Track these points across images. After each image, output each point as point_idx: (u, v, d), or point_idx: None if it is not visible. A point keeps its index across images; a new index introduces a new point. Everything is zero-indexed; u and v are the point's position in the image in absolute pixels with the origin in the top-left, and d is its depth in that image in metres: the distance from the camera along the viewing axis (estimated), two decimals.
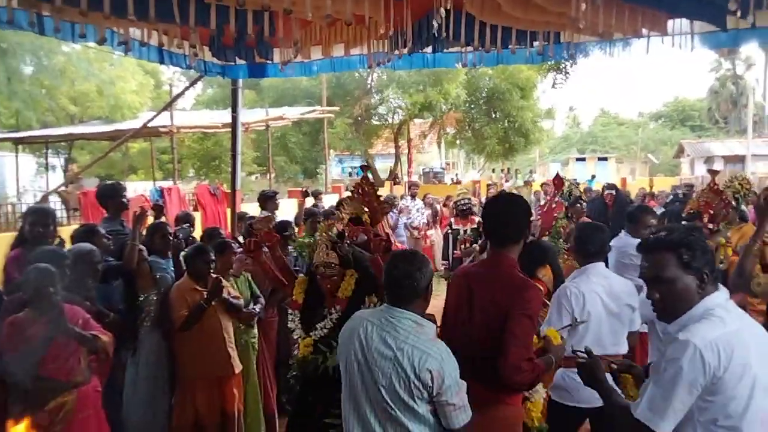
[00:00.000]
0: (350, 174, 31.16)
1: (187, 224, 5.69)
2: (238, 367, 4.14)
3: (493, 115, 22.70)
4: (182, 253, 4.26)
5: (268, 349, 4.84)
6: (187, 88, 8.18)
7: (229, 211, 7.74)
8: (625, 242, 4.46)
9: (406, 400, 2.22)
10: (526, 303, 2.55)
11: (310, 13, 4.02)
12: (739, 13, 3.76)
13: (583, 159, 42.63)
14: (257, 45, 5.40)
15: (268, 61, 5.95)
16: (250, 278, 4.50)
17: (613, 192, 9.51)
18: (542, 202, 12.75)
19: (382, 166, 26.71)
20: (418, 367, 2.19)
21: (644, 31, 4.85)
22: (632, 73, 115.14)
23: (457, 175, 31.86)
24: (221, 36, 5.19)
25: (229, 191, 7.49)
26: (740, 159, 31.14)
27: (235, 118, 6.67)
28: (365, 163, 23.37)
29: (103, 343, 3.27)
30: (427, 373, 2.19)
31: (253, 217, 6.28)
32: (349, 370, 2.34)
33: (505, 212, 2.76)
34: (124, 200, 4.94)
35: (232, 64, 6.24)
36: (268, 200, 7.17)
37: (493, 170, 26.55)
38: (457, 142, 25.46)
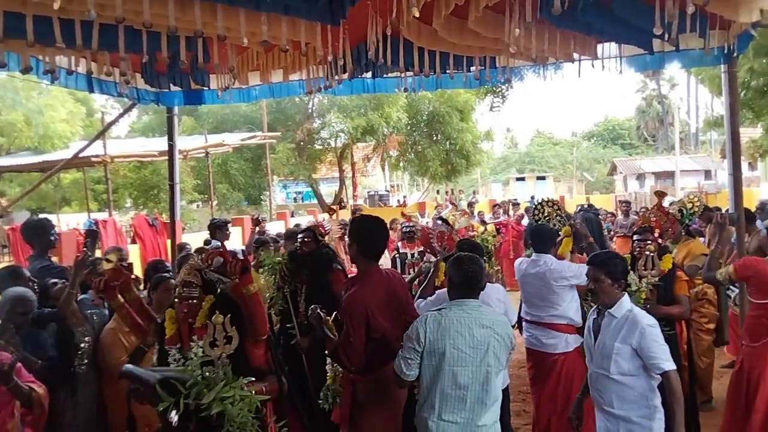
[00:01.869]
0: (295, 200, 30.94)
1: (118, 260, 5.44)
2: None
3: (435, 138, 23.01)
4: None
5: None
6: (119, 116, 7.93)
7: (169, 242, 7.49)
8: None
9: (501, 358, 3.07)
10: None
11: (245, 39, 3.97)
12: (666, 36, 3.90)
13: (523, 178, 43.71)
14: (192, 71, 5.28)
15: (205, 88, 5.84)
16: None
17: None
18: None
19: (327, 191, 26.62)
20: (507, 331, 3.12)
21: (575, 55, 5.00)
22: (565, 95, 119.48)
23: (404, 197, 32.06)
24: (153, 62, 5.05)
25: (169, 221, 7.25)
26: (669, 175, 32.61)
27: (171, 146, 6.49)
28: (310, 189, 23.24)
29: (38, 396, 3.08)
30: (512, 334, 3.18)
31: (204, 248, 6.03)
32: (451, 358, 2.97)
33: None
34: (52, 238, 4.68)
35: (167, 90, 6.08)
36: (218, 229, 6.97)
37: (437, 191, 26.82)
38: (401, 164, 25.66)
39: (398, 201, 27.94)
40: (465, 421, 2.98)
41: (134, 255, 8.93)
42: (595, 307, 3.46)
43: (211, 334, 2.84)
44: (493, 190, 45.62)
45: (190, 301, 3.11)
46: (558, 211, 5.71)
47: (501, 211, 14.59)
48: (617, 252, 4.80)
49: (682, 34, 4.26)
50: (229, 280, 3.15)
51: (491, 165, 51.54)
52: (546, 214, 5.62)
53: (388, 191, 29.87)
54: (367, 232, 3.55)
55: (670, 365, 3.05)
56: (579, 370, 4.29)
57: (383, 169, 30.21)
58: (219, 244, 6.08)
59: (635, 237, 4.68)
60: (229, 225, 7.16)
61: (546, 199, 5.91)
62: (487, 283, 3.69)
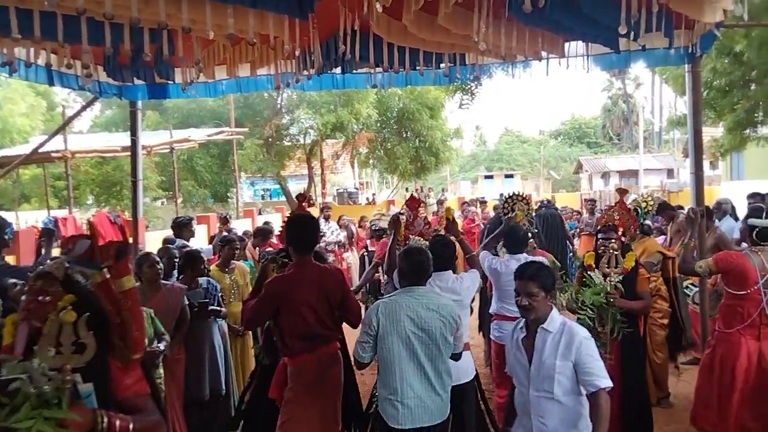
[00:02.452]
0: (263, 197, 30.61)
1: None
2: None
3: (404, 135, 23.01)
4: None
5: (176, 389, 4.54)
6: (80, 110, 7.69)
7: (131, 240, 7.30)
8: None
9: (448, 337, 3.36)
10: None
11: (211, 32, 3.88)
12: (632, 35, 3.94)
13: (491, 176, 44.12)
14: (156, 64, 5.16)
15: (169, 82, 5.71)
16: (152, 314, 4.21)
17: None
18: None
19: (296, 188, 26.38)
20: (452, 313, 3.39)
21: (543, 53, 5.03)
22: (533, 93, 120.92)
23: (374, 195, 31.99)
24: (116, 55, 4.92)
25: (131, 219, 7.08)
26: (634, 173, 33.23)
27: (134, 142, 6.33)
28: (278, 186, 23.00)
29: None
30: (456, 315, 3.42)
31: (168, 247, 5.91)
32: (404, 340, 3.29)
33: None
34: (6, 237, 4.52)
35: (130, 84, 5.94)
36: (182, 227, 6.83)
37: (407, 189, 26.84)
38: (370, 162, 25.60)
39: (367, 198, 27.89)
40: (422, 395, 3.31)
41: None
42: (519, 324, 3.24)
43: (53, 336, 2.14)
44: (462, 187, 45.95)
45: (41, 297, 2.33)
46: (527, 206, 5.79)
47: (471, 209, 14.69)
48: (545, 258, 4.94)
49: (648, 34, 4.32)
50: (94, 272, 2.41)
51: (460, 163, 51.90)
52: (514, 209, 5.69)
53: (357, 189, 29.78)
54: (296, 230, 3.88)
55: (606, 383, 2.89)
56: None
57: (353, 166, 30.11)
58: (183, 242, 5.97)
59: (599, 235, 4.77)
60: (194, 223, 7.02)
61: (515, 193, 5.98)
62: (464, 273, 4.24)
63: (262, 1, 3.82)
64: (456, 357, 3.52)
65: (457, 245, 4.57)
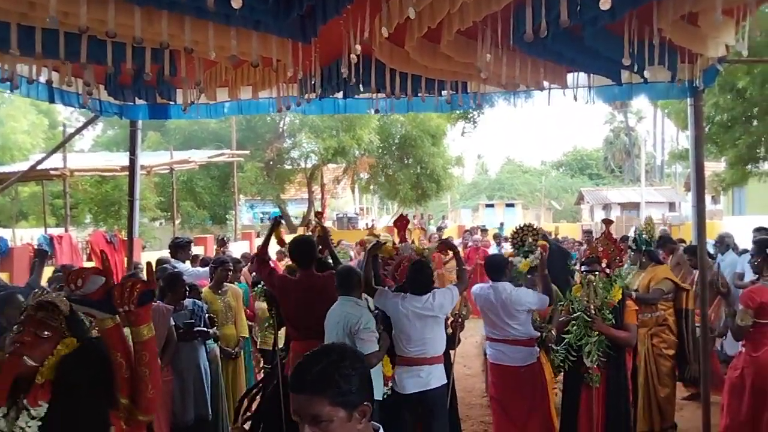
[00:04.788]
0: (262, 220, 30.53)
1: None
2: None
3: (406, 161, 23.08)
4: None
5: (163, 413, 4.44)
6: (80, 129, 7.68)
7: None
8: None
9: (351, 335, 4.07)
10: None
11: (213, 53, 3.87)
12: (635, 68, 3.92)
13: (492, 205, 44.08)
14: (158, 85, 5.15)
15: (171, 102, 5.70)
16: None
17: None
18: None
19: (296, 212, 26.37)
20: (351, 320, 4.10)
21: (545, 83, 5.02)
22: (536, 124, 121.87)
23: (373, 220, 31.95)
24: (117, 74, 4.91)
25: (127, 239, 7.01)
26: (635, 206, 33.19)
27: (133, 161, 6.30)
28: (278, 209, 23.01)
29: None
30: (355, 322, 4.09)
31: (165, 267, 5.86)
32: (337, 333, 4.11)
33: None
34: None
35: (131, 104, 5.93)
36: (180, 249, 6.77)
37: (402, 215, 26.81)
38: (371, 187, 25.62)
39: (366, 224, 27.84)
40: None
41: None
42: None
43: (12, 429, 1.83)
44: (463, 215, 45.89)
45: (39, 332, 2.07)
46: (535, 237, 5.83)
47: (471, 237, 14.62)
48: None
49: (650, 67, 4.31)
50: (105, 316, 2.11)
51: (461, 190, 51.95)
52: (524, 240, 5.76)
53: (357, 214, 29.76)
54: (296, 248, 4.72)
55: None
56: (542, 378, 4.90)
57: (353, 191, 30.15)
58: (173, 265, 5.90)
59: (583, 268, 4.81)
60: (192, 244, 6.96)
61: (527, 225, 6.08)
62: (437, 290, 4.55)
63: (265, 24, 3.82)
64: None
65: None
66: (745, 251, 8.08)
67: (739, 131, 12.29)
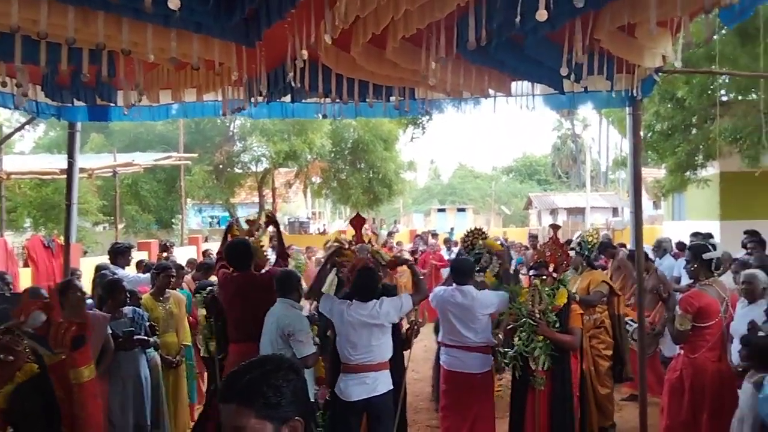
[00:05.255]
0: (210, 224, 30.01)
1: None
2: None
3: (358, 166, 23.08)
4: None
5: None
6: (15, 131, 7.39)
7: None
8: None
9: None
10: None
11: (152, 55, 3.77)
12: (573, 77, 4.01)
13: (444, 210, 44.55)
14: (97, 86, 4.99)
15: (111, 104, 5.53)
16: None
17: None
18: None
19: (246, 216, 25.97)
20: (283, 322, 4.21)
21: (491, 91, 5.09)
22: (488, 130, 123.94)
23: (324, 225, 31.81)
24: (54, 75, 4.73)
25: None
26: (580, 211, 34.06)
27: (71, 164, 6.08)
28: (227, 214, 22.64)
29: None
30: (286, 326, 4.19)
31: (106, 274, 5.69)
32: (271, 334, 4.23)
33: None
34: None
35: (69, 105, 5.72)
36: (119, 255, 6.56)
37: (357, 215, 26.78)
38: (324, 192, 25.50)
39: (318, 229, 27.72)
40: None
41: (26, 279, 8.29)
42: None
43: None
44: (415, 220, 46.20)
45: (4, 356, 2.08)
46: (485, 240, 5.98)
47: (421, 241, 14.71)
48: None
49: (592, 76, 4.42)
50: (46, 353, 2.11)
51: (414, 195, 52.32)
52: (474, 244, 5.87)
53: (309, 218, 29.61)
54: (231, 252, 4.80)
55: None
56: (492, 385, 5.03)
57: (305, 195, 29.95)
58: (113, 271, 5.73)
59: (530, 272, 4.90)
60: (133, 250, 6.76)
61: (476, 229, 6.18)
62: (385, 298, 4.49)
63: (207, 26, 3.75)
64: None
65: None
66: (682, 245, 8.41)
67: (678, 139, 12.74)
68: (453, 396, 4.97)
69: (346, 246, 5.12)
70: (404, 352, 4.94)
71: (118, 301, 4.81)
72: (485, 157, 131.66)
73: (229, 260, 4.78)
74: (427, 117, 14.81)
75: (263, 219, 5.58)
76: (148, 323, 5.11)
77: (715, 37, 9.28)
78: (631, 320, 6.10)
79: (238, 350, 4.46)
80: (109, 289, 4.84)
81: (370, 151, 22.15)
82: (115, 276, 5.51)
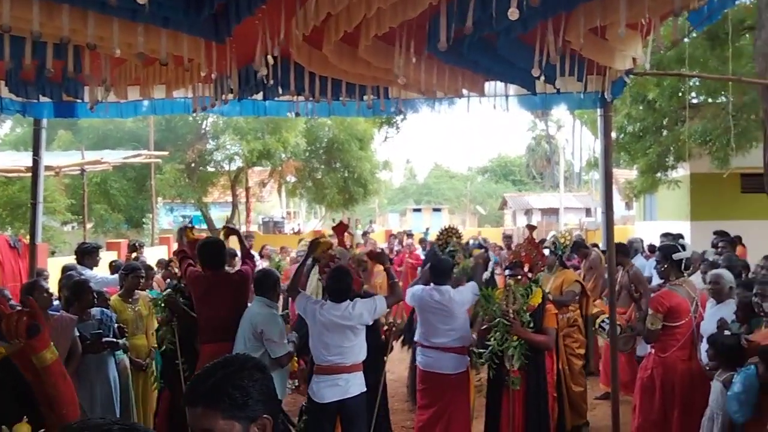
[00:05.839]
0: (182, 223, 29.59)
1: None
2: None
3: (333, 165, 22.96)
4: None
5: None
6: None
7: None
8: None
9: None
10: None
11: (118, 50, 3.68)
12: (543, 78, 4.01)
13: (420, 210, 44.65)
14: (63, 81, 4.86)
15: (78, 100, 5.40)
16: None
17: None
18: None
19: (219, 215, 25.71)
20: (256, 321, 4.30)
21: (464, 91, 5.08)
22: (464, 130, 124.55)
23: (299, 225, 31.60)
24: (18, 70, 4.60)
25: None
26: (554, 211, 34.39)
27: (36, 161, 5.92)
28: (199, 213, 22.36)
29: None
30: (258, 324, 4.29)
31: (71, 274, 5.55)
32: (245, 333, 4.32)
33: None
34: None
35: (35, 101, 5.57)
36: (87, 255, 6.42)
37: (333, 220, 26.69)
38: (298, 191, 25.34)
39: (293, 228, 27.54)
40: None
41: None
42: None
43: None
44: (390, 220, 46.21)
45: None
46: (459, 239, 6.07)
47: (396, 241, 14.70)
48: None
49: (564, 78, 4.44)
50: (2, 344, 2.25)
51: (389, 195, 52.30)
52: (448, 242, 5.89)
53: (284, 218, 29.40)
54: (203, 250, 4.76)
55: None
56: (467, 385, 5.06)
57: (279, 195, 29.75)
58: (80, 272, 5.60)
59: (506, 272, 4.99)
60: (100, 250, 6.63)
61: (449, 227, 6.25)
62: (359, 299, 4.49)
63: (175, 21, 3.67)
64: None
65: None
66: (653, 247, 8.53)
67: (649, 141, 12.93)
68: (429, 396, 4.98)
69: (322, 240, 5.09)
70: (384, 356, 4.96)
71: (85, 303, 4.71)
72: (461, 158, 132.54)
73: (202, 258, 4.75)
74: (402, 116, 14.79)
75: (222, 234, 5.81)
76: (116, 325, 5.02)
77: (685, 40, 9.42)
78: (608, 318, 6.17)
79: (210, 351, 4.37)
80: (75, 290, 4.74)
81: (346, 151, 22.05)
82: (82, 277, 5.38)
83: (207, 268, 4.71)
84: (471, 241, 11.69)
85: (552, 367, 4.90)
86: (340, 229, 5.45)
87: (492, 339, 4.63)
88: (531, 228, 5.41)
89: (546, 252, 6.10)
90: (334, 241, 5.35)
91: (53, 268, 7.72)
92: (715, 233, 7.81)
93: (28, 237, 8.97)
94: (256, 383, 1.55)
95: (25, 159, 12.05)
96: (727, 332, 4.11)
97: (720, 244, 7.24)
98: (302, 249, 8.09)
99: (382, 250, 5.01)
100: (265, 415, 1.55)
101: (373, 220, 38.18)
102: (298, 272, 4.77)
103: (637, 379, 4.86)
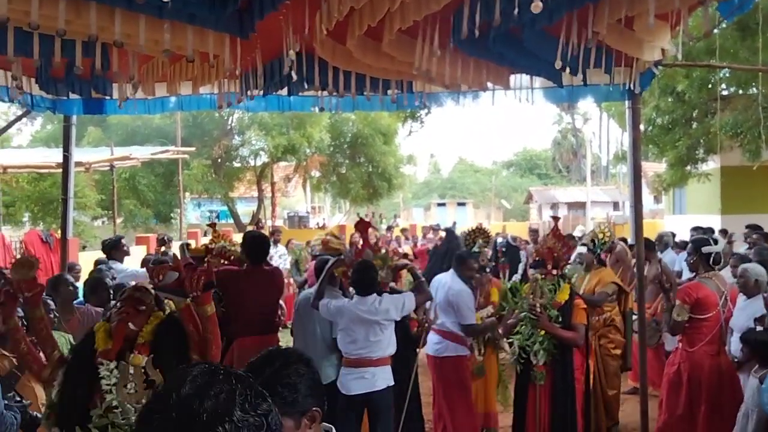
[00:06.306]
0: (209, 218, 29.92)
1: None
2: None
3: (357, 160, 23.00)
4: None
5: None
6: (10, 125, 7.34)
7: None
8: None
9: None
10: None
11: (145, 47, 3.73)
12: (568, 70, 3.96)
13: (444, 204, 44.48)
14: (92, 79, 4.94)
15: (106, 97, 5.49)
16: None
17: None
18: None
19: (245, 210, 25.95)
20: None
21: (489, 84, 5.04)
22: (488, 124, 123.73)
23: (324, 219, 31.71)
24: (48, 67, 4.68)
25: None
26: (581, 205, 34.00)
27: (67, 158, 6.04)
28: (226, 208, 22.59)
29: None
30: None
31: (101, 268, 5.67)
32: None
33: None
34: None
35: (65, 98, 5.67)
36: (112, 249, 6.52)
37: (358, 214, 26.72)
38: (323, 186, 25.44)
39: (317, 223, 27.65)
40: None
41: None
42: None
43: (126, 378, 2.63)
44: (415, 214, 46.13)
45: (140, 306, 2.78)
46: (486, 240, 6.02)
47: (431, 235, 14.72)
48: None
49: (591, 70, 4.37)
50: (180, 300, 2.89)
51: (414, 190, 52.18)
52: (475, 242, 5.86)
53: (308, 213, 29.53)
54: (250, 243, 4.92)
55: None
56: (461, 373, 5.14)
57: (304, 189, 29.90)
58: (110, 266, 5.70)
59: (531, 270, 4.98)
60: (123, 240, 6.74)
61: (478, 227, 6.21)
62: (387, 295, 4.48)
63: (201, 18, 3.70)
64: None
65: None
66: (684, 243, 8.38)
67: (679, 133, 12.71)
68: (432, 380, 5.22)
69: (342, 250, 5.18)
70: (416, 349, 5.01)
71: (102, 299, 4.79)
72: (485, 151, 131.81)
73: (249, 251, 4.88)
74: (426, 110, 14.73)
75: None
76: None
77: (715, 30, 9.22)
78: (632, 310, 6.08)
79: (251, 344, 4.38)
80: (90, 287, 4.86)
81: (370, 145, 22.05)
82: (111, 270, 5.48)
83: (252, 261, 4.82)
84: (499, 239, 11.64)
85: (581, 364, 4.82)
86: (363, 226, 5.17)
87: (518, 333, 4.60)
88: (556, 219, 5.34)
89: (583, 248, 5.99)
90: (344, 244, 5.38)
91: (84, 262, 7.88)
92: (747, 227, 7.65)
93: (59, 232, 9.19)
94: (303, 378, 1.59)
95: (55, 155, 12.30)
96: (759, 328, 4.04)
97: (754, 237, 7.09)
98: (316, 244, 8.12)
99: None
100: (315, 408, 1.60)
101: (397, 214, 38.18)
102: (320, 290, 4.54)
103: (664, 374, 4.82)
